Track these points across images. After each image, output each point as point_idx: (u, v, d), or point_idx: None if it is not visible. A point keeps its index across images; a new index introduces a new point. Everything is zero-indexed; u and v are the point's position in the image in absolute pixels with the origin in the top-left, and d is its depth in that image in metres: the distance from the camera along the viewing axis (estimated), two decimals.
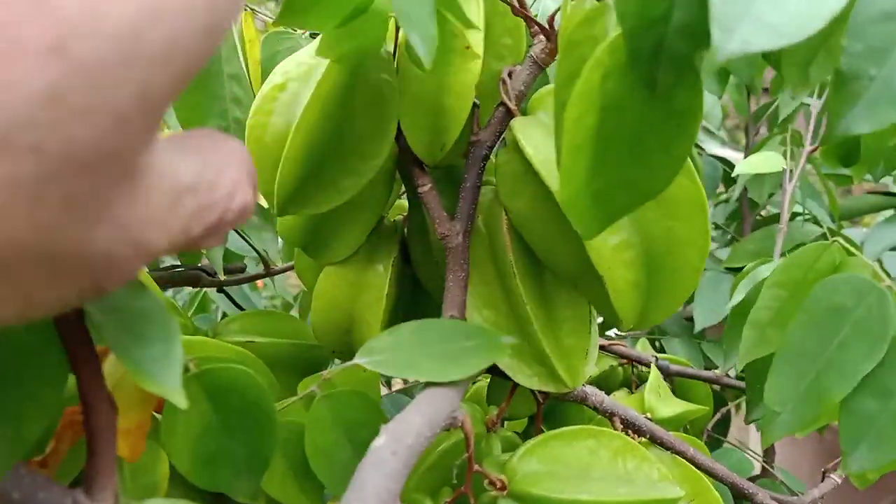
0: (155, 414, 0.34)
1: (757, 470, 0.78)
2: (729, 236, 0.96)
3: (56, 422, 0.28)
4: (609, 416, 0.44)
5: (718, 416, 0.77)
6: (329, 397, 0.37)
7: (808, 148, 0.78)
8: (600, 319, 0.43)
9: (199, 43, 0.17)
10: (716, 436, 0.78)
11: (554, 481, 0.34)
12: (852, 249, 0.40)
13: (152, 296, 0.23)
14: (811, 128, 0.80)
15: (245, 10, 0.56)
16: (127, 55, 0.15)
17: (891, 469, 0.36)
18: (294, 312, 0.97)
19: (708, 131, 1.04)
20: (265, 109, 0.38)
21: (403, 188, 0.46)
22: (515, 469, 0.35)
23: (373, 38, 0.32)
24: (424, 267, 0.45)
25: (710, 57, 0.21)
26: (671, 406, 0.52)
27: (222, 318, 0.64)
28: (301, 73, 0.38)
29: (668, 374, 0.61)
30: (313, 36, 0.53)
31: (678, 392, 0.62)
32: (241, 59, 0.47)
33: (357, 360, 0.31)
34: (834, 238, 0.41)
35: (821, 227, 0.81)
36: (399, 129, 0.38)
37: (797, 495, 0.53)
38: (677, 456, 0.43)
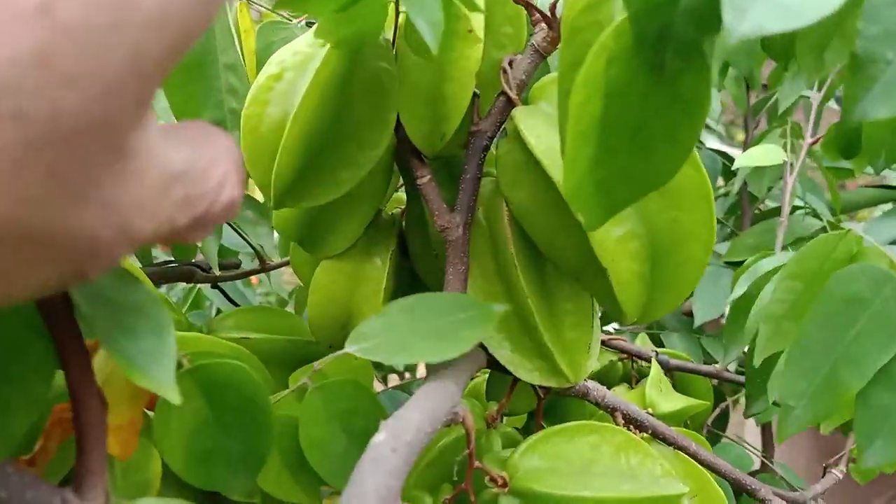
0: (147, 411, 0.34)
1: (756, 465, 0.78)
2: (728, 230, 0.96)
3: (44, 418, 0.28)
4: (611, 411, 0.43)
5: (717, 411, 0.77)
6: (321, 388, 0.37)
7: (808, 140, 0.78)
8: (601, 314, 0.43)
9: (195, 9, 0.16)
10: (715, 431, 0.78)
11: (556, 478, 0.34)
12: (869, 238, 0.39)
13: (144, 288, 0.23)
14: (811, 120, 0.80)
15: (240, 0, 0.55)
16: (118, 19, 0.14)
17: None
18: (289, 309, 0.96)
19: (706, 125, 1.04)
20: (261, 99, 0.37)
21: (401, 180, 0.45)
22: (517, 465, 0.35)
23: (372, 23, 0.32)
24: (423, 260, 0.45)
25: (720, 40, 0.20)
26: (672, 401, 0.51)
27: (217, 315, 0.63)
28: (297, 62, 0.37)
29: (668, 369, 0.61)
30: (309, 25, 0.52)
31: (679, 387, 0.62)
32: (238, 48, 0.46)
33: (348, 348, 0.30)
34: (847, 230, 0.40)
35: (821, 220, 0.80)
36: (397, 119, 0.38)
37: (796, 490, 0.53)
38: (679, 451, 0.43)
